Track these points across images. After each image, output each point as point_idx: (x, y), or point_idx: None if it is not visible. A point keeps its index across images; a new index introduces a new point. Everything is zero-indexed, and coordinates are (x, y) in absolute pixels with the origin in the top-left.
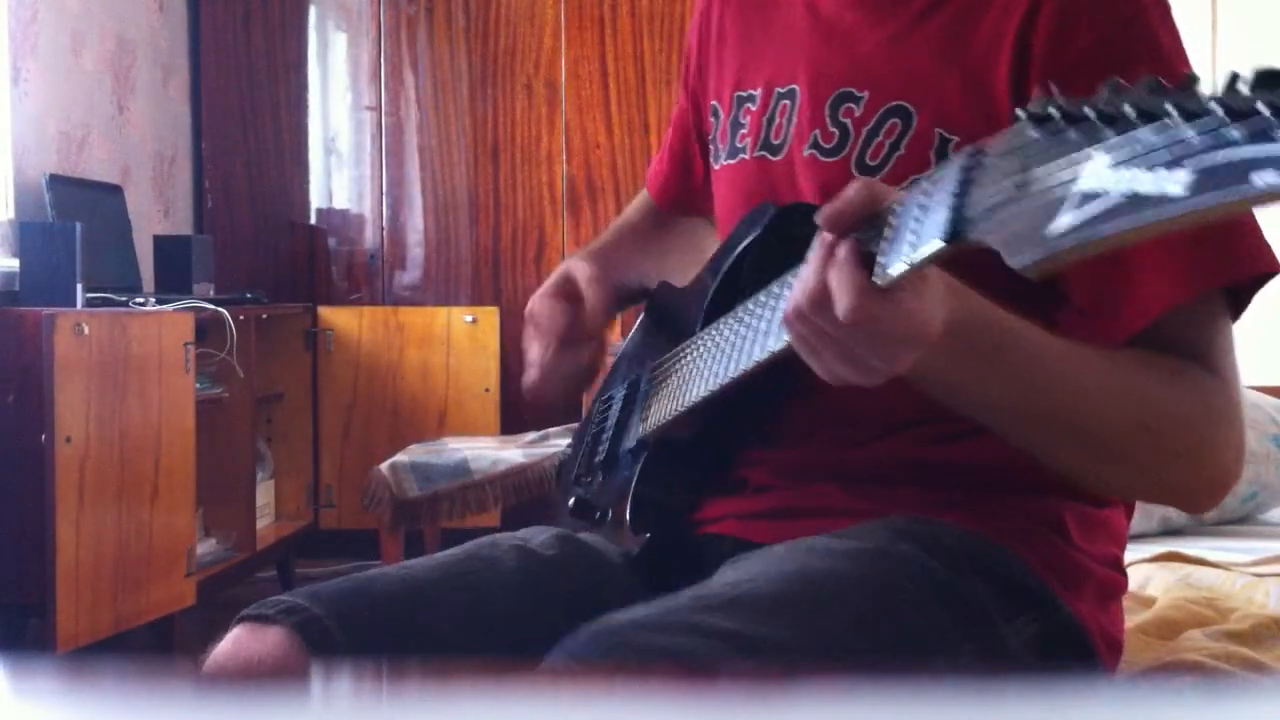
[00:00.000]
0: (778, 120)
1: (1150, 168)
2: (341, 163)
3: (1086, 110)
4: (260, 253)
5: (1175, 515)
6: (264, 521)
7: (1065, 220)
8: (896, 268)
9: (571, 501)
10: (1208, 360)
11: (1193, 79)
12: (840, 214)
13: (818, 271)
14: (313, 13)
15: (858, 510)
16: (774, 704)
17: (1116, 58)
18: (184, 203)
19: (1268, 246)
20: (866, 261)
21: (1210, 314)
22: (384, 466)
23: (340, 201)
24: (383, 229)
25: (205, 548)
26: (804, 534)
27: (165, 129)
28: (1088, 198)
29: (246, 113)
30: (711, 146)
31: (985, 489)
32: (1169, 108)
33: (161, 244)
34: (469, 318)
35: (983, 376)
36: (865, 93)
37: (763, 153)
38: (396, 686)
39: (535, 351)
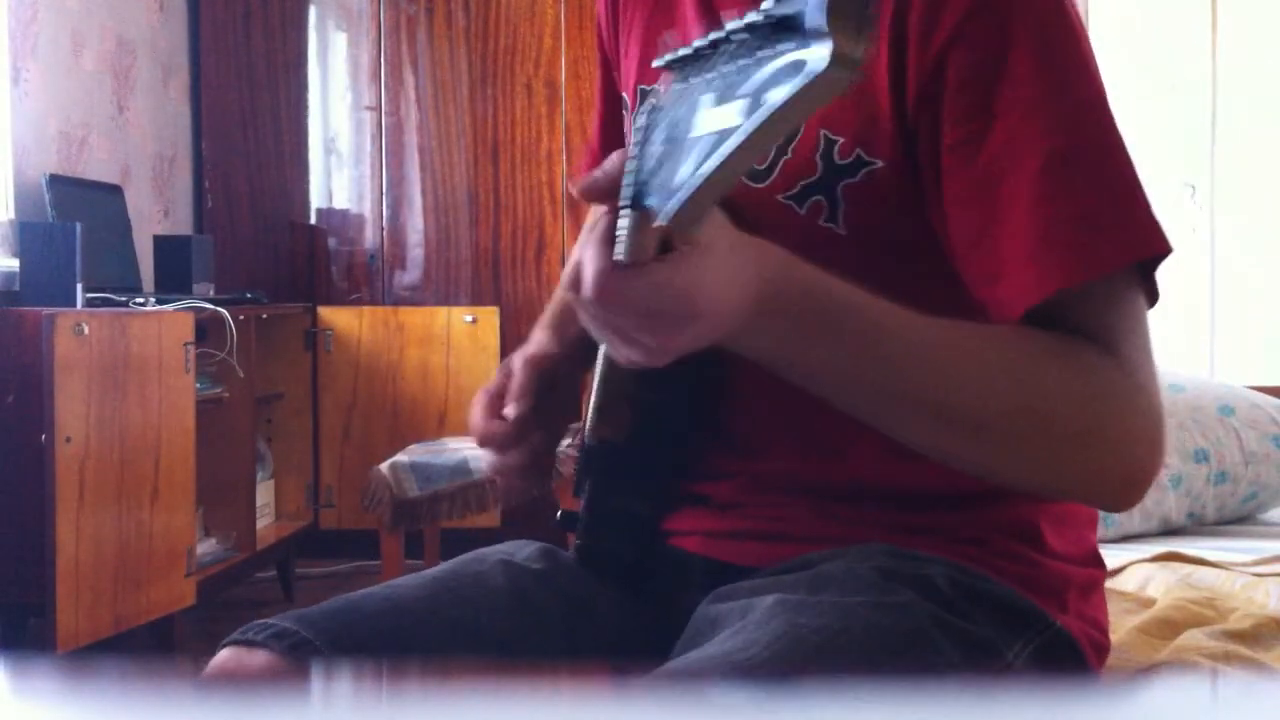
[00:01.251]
0: None
1: (727, 101)
2: (341, 163)
3: (686, 51)
4: (260, 253)
5: (1175, 515)
6: (264, 521)
7: (686, 168)
8: (620, 242)
9: (559, 514)
10: (1106, 341)
11: None
12: (592, 183)
13: (577, 248)
14: (313, 13)
15: (828, 538)
16: (776, 708)
17: (983, 31)
18: (184, 203)
19: (1146, 228)
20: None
21: (1109, 295)
22: (384, 466)
23: (340, 201)
24: (383, 229)
25: (205, 548)
26: (775, 556)
27: (165, 129)
28: (695, 141)
29: (246, 113)
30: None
31: (955, 506)
32: (719, 36)
33: (161, 244)
34: (469, 318)
35: (815, 350)
36: None
37: None
38: (395, 687)
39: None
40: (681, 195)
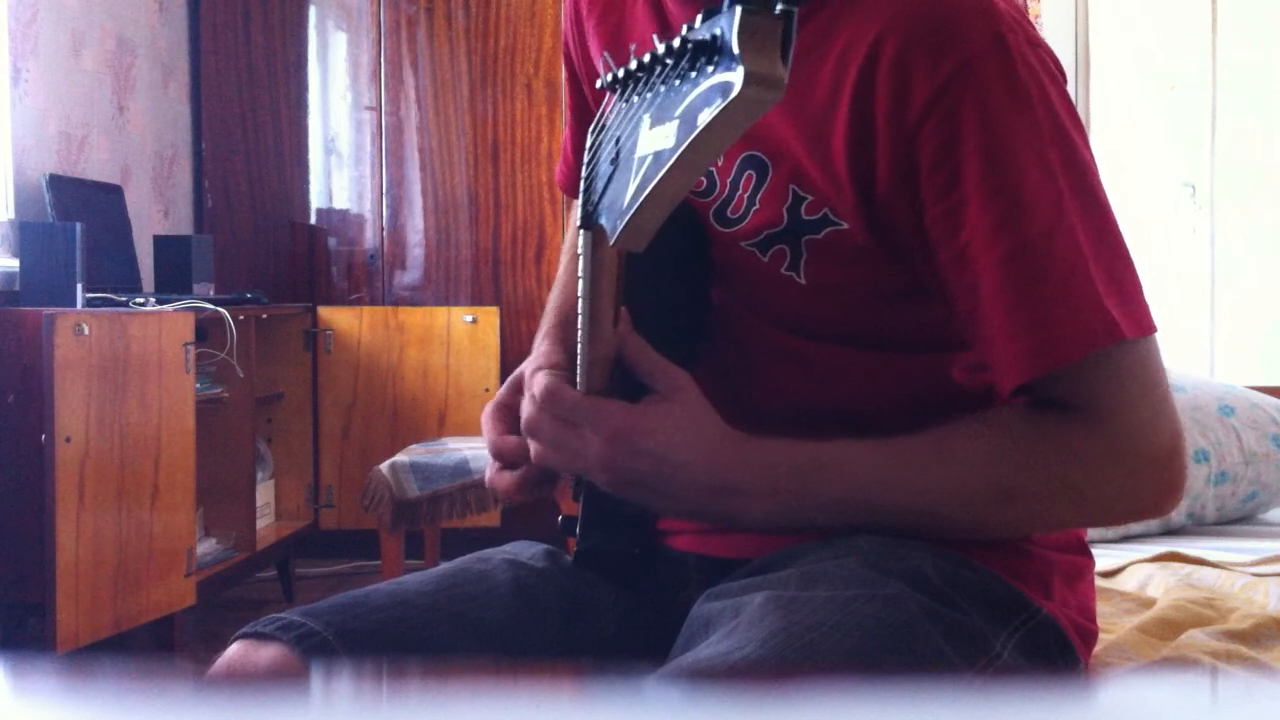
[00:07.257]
0: None
1: (662, 122)
2: (341, 163)
3: (623, 73)
4: (260, 253)
5: (1175, 515)
6: (264, 521)
7: (632, 187)
8: (580, 258)
9: (560, 519)
10: (1086, 408)
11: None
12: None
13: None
14: (313, 13)
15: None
16: (774, 707)
17: (948, 114)
18: (184, 203)
19: (1098, 318)
20: None
21: (1087, 366)
22: (384, 466)
23: (340, 201)
24: (383, 229)
25: (205, 548)
26: (765, 547)
27: (165, 129)
28: (641, 161)
29: (246, 113)
30: None
31: None
32: (653, 56)
33: (161, 244)
34: (469, 318)
35: (789, 499)
36: None
37: None
38: (397, 687)
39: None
40: (625, 217)
